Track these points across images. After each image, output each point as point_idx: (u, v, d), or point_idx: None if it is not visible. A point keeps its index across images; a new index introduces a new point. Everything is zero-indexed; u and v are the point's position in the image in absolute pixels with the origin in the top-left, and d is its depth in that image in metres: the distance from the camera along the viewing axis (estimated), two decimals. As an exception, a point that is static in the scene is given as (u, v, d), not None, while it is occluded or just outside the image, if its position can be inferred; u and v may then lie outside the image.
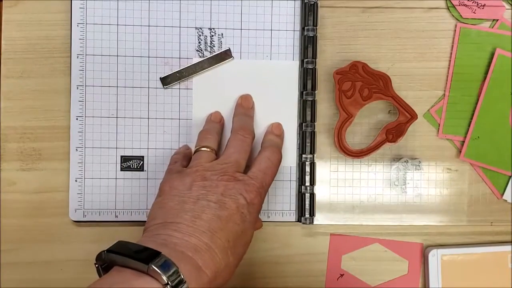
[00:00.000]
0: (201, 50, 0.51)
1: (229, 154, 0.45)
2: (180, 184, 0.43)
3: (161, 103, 0.51)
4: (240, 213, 0.41)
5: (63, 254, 0.51)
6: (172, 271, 0.35)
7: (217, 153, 0.48)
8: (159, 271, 0.34)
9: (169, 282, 0.34)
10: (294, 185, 0.52)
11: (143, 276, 0.35)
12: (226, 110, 0.51)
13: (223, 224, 0.40)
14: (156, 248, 0.36)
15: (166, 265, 0.35)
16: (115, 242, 0.38)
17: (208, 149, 0.46)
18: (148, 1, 0.50)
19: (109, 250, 0.36)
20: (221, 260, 0.39)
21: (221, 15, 0.51)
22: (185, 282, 0.35)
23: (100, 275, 0.38)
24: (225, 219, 0.40)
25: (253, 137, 0.48)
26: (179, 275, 0.35)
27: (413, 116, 0.50)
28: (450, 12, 0.52)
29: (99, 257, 0.37)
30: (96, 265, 0.37)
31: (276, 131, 0.50)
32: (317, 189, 0.52)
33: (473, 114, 0.52)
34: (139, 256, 0.35)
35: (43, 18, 0.51)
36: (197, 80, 0.51)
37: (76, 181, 0.50)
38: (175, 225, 0.39)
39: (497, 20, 0.52)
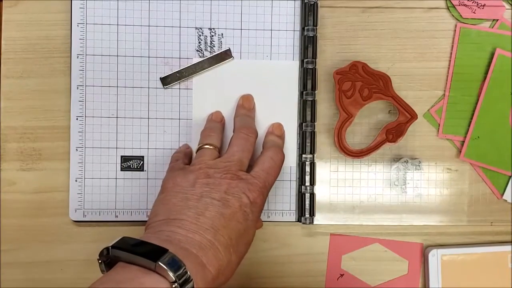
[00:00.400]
0: (201, 50, 0.51)
1: (233, 152, 0.45)
2: (184, 181, 0.43)
3: (161, 103, 0.51)
4: (243, 211, 0.41)
5: (63, 254, 0.51)
6: (179, 268, 0.34)
7: (220, 151, 0.48)
8: (167, 268, 0.34)
9: (177, 280, 0.34)
10: (294, 185, 0.52)
11: (150, 273, 0.34)
12: (227, 110, 0.51)
13: (226, 222, 0.40)
14: (161, 244, 0.36)
15: (174, 263, 0.34)
16: (119, 238, 0.37)
17: (211, 147, 0.47)
18: (148, 1, 0.50)
19: (113, 246, 0.36)
20: (224, 258, 0.39)
21: (221, 15, 0.51)
22: (191, 280, 0.35)
23: (103, 271, 0.37)
24: (228, 217, 0.40)
25: (256, 136, 0.48)
26: (186, 273, 0.35)
27: (413, 116, 0.50)
28: (450, 12, 0.53)
29: (102, 253, 0.37)
30: (100, 261, 0.37)
31: (277, 132, 0.51)
32: (317, 189, 0.52)
33: (473, 114, 0.52)
34: (145, 253, 0.35)
35: (43, 18, 0.51)
36: (197, 80, 0.51)
37: (76, 181, 0.50)
38: (179, 221, 0.39)
39: (497, 20, 0.52)
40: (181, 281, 0.34)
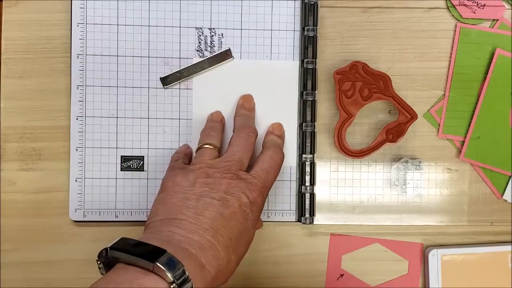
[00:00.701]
0: (201, 50, 0.51)
1: (233, 152, 0.45)
2: (183, 181, 0.43)
3: (161, 103, 0.51)
4: (243, 211, 0.41)
5: (63, 254, 0.51)
6: (177, 269, 0.34)
7: (220, 151, 0.48)
8: (164, 269, 0.34)
9: (175, 280, 0.34)
10: (294, 185, 0.52)
11: (148, 274, 0.34)
12: (227, 110, 0.51)
13: (225, 221, 0.40)
14: (161, 245, 0.36)
15: (171, 263, 0.34)
16: (118, 238, 0.37)
17: (211, 147, 0.46)
18: (148, 1, 0.50)
19: (112, 247, 0.36)
20: (223, 258, 0.39)
21: (221, 15, 0.51)
22: (190, 280, 0.35)
23: (102, 272, 0.37)
24: (227, 217, 0.40)
25: (256, 136, 0.48)
26: (185, 273, 0.35)
27: (413, 116, 0.50)
28: (450, 12, 0.53)
29: (101, 254, 0.37)
30: (98, 262, 0.37)
31: (277, 132, 0.51)
32: (317, 189, 0.52)
33: (473, 114, 0.52)
34: (143, 253, 0.35)
35: (43, 18, 0.51)
36: (197, 80, 0.51)
37: (76, 181, 0.50)
38: (178, 221, 0.39)
39: (497, 20, 0.52)
40: (179, 281, 0.34)
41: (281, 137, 0.51)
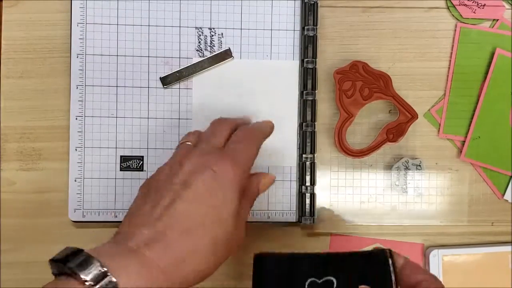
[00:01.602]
0: (201, 50, 0.51)
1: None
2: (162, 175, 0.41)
3: (161, 103, 0.51)
4: (207, 190, 0.38)
5: (62, 254, 0.51)
6: (92, 268, 0.32)
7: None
8: (76, 270, 0.32)
9: (92, 281, 0.32)
10: (294, 185, 0.52)
11: (69, 279, 0.32)
12: (226, 110, 0.51)
13: (186, 206, 0.37)
14: (110, 248, 0.35)
15: (85, 264, 0.32)
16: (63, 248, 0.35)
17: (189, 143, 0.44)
18: (148, 1, 0.50)
19: (52, 259, 0.34)
20: (181, 246, 0.36)
21: (221, 15, 0.51)
22: (109, 276, 0.32)
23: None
24: (187, 201, 0.37)
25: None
26: (101, 271, 0.32)
27: (413, 116, 0.50)
28: (450, 12, 0.52)
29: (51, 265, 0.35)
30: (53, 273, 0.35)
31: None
32: (317, 189, 0.52)
33: (473, 114, 0.52)
34: (61, 258, 0.33)
35: (43, 18, 0.51)
36: (197, 80, 0.51)
37: (75, 181, 0.50)
38: (135, 217, 0.38)
39: (497, 20, 0.52)
40: (97, 280, 0.32)
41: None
